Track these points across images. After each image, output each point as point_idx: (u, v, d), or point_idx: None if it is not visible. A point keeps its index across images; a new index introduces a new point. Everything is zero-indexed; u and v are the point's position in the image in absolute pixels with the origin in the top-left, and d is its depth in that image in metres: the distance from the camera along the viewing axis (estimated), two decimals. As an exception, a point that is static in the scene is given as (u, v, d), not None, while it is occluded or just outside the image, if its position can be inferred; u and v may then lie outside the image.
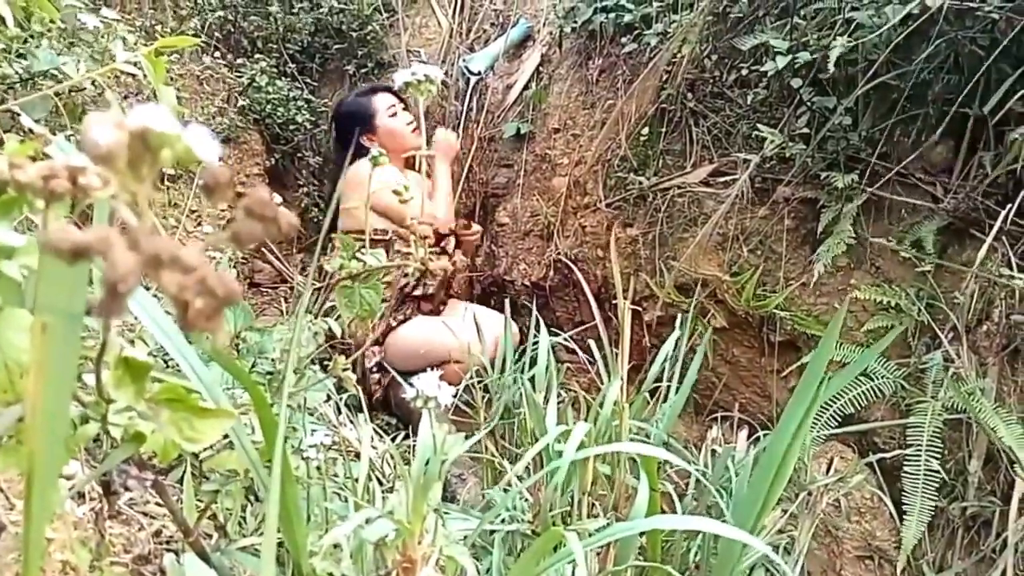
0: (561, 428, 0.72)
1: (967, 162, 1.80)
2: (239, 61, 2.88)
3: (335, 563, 0.61)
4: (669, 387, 1.28)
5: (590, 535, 0.60)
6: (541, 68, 2.74)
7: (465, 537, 0.62)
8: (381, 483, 0.92)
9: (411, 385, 0.53)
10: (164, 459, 0.59)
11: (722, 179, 2.18)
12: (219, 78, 2.72)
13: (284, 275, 2.89)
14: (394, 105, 2.29)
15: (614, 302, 2.40)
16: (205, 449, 0.64)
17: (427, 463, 0.58)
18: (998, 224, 1.66)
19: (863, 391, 1.68)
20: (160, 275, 0.19)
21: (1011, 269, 1.62)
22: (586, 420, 0.83)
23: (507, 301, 1.67)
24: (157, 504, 0.95)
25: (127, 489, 0.57)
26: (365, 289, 0.63)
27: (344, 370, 0.66)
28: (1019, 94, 1.63)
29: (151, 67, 1.05)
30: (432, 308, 2.30)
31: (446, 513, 0.75)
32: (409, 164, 2.41)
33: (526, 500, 0.82)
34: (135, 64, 1.08)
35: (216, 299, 0.20)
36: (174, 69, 2.38)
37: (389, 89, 2.32)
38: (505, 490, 0.83)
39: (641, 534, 0.81)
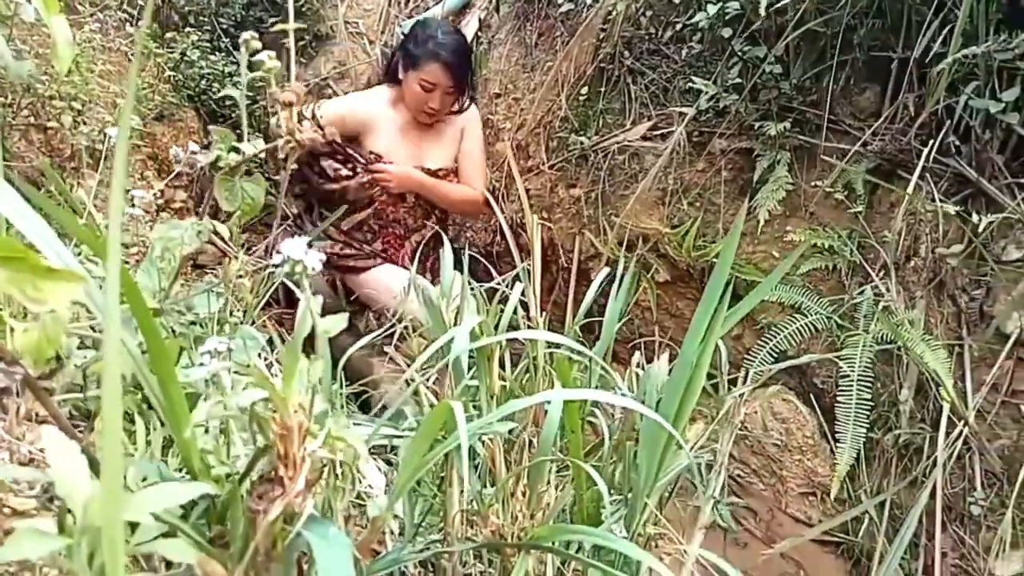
0: (460, 327, 0.71)
1: (893, 104, 1.84)
2: (169, 35, 2.79)
3: (229, 464, 0.59)
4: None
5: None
6: (480, 33, 2.72)
7: (368, 438, 0.62)
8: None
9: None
10: (40, 357, 0.57)
11: (660, 133, 2.19)
12: (147, 53, 2.63)
13: (228, 254, 2.82)
14: (432, 82, 2.07)
15: (566, 265, 2.41)
16: (89, 359, 0.62)
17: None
18: (921, 163, 1.71)
19: (798, 327, 1.72)
20: None
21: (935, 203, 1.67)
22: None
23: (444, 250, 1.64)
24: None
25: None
26: (247, 183, 0.61)
27: (238, 277, 0.64)
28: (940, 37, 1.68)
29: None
30: (414, 237, 2.25)
31: (357, 424, 0.74)
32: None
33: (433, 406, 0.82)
34: None
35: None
36: (97, 40, 2.29)
37: (449, 66, 2.06)
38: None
39: (561, 438, 0.81)
